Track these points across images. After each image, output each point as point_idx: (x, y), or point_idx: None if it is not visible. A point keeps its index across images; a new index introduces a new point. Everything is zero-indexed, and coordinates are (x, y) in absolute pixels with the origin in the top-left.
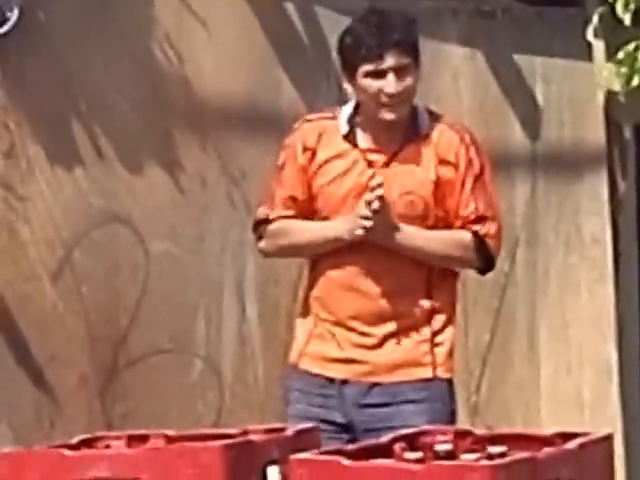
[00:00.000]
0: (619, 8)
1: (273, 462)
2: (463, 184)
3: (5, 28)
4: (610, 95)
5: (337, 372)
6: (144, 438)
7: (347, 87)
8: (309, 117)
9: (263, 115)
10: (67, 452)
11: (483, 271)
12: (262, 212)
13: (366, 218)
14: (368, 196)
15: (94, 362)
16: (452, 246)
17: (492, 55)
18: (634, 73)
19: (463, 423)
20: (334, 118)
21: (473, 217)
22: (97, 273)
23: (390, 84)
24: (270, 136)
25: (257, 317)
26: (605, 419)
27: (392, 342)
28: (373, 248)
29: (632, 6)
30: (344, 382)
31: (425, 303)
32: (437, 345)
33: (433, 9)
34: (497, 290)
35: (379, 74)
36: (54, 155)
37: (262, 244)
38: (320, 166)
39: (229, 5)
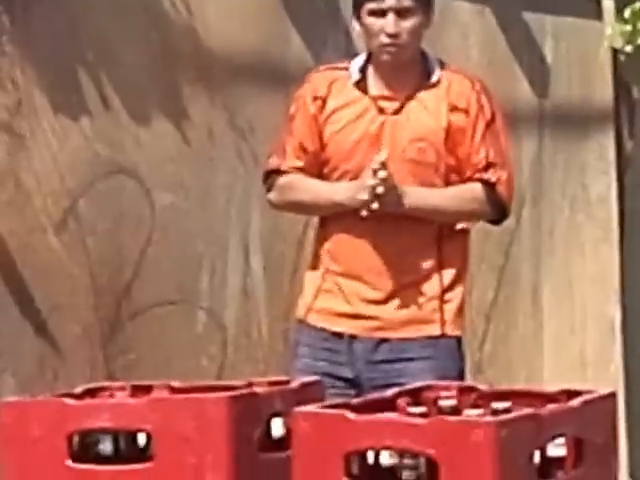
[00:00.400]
0: None
1: (277, 414)
2: (474, 131)
3: None
4: (619, 54)
5: (345, 327)
6: (148, 389)
7: (355, 26)
8: (320, 68)
9: (271, 68)
10: (70, 401)
11: (497, 221)
12: (273, 162)
13: (372, 200)
14: (372, 180)
15: (98, 313)
16: (464, 201)
17: (501, 12)
18: (637, 32)
19: (466, 380)
20: (346, 68)
21: (484, 164)
22: (102, 224)
23: (389, 24)
24: (278, 89)
25: (262, 271)
26: (608, 377)
27: (400, 298)
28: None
29: None
30: (353, 337)
31: (431, 261)
32: (446, 302)
33: None
34: (502, 248)
35: (381, 13)
36: (61, 105)
37: (271, 195)
38: (330, 114)
39: None
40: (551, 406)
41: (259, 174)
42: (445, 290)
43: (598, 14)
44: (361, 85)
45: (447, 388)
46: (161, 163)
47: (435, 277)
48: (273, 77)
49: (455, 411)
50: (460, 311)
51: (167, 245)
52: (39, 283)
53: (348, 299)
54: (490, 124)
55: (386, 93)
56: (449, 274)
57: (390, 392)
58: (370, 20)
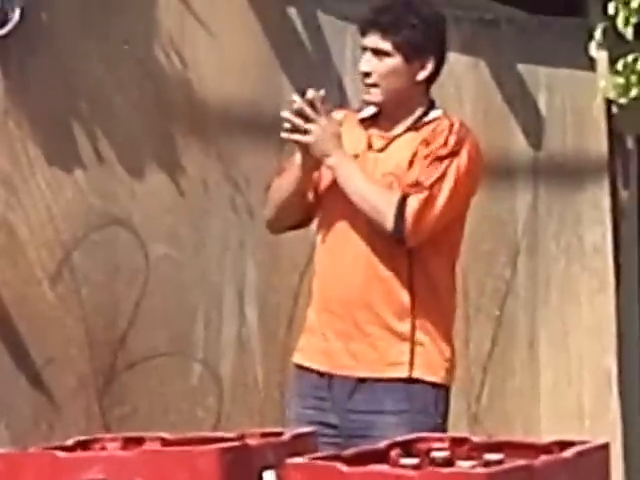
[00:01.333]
0: (620, 22)
1: (269, 466)
2: (425, 157)
3: (7, 29)
4: (613, 105)
5: (322, 364)
6: (140, 440)
7: None
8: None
9: (265, 120)
10: (61, 454)
11: (398, 238)
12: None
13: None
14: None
15: (93, 365)
16: (378, 194)
17: (495, 64)
18: (630, 85)
19: (463, 431)
20: (359, 110)
21: (411, 181)
22: (96, 276)
23: (362, 61)
24: (272, 141)
25: (257, 321)
26: (605, 429)
27: (369, 334)
28: (357, 231)
29: (633, 20)
30: (331, 378)
31: (401, 298)
32: (418, 344)
33: (438, 14)
34: (498, 298)
35: (363, 50)
36: (55, 156)
37: (265, 213)
38: None
39: (232, 9)
40: (544, 457)
41: (254, 225)
42: (417, 332)
43: (592, 66)
44: (365, 122)
45: (440, 439)
46: (155, 214)
47: (407, 316)
48: (267, 129)
49: (448, 463)
50: (438, 355)
51: (162, 296)
52: (34, 335)
53: (322, 333)
54: (443, 158)
55: (379, 132)
56: (423, 314)
57: (382, 443)
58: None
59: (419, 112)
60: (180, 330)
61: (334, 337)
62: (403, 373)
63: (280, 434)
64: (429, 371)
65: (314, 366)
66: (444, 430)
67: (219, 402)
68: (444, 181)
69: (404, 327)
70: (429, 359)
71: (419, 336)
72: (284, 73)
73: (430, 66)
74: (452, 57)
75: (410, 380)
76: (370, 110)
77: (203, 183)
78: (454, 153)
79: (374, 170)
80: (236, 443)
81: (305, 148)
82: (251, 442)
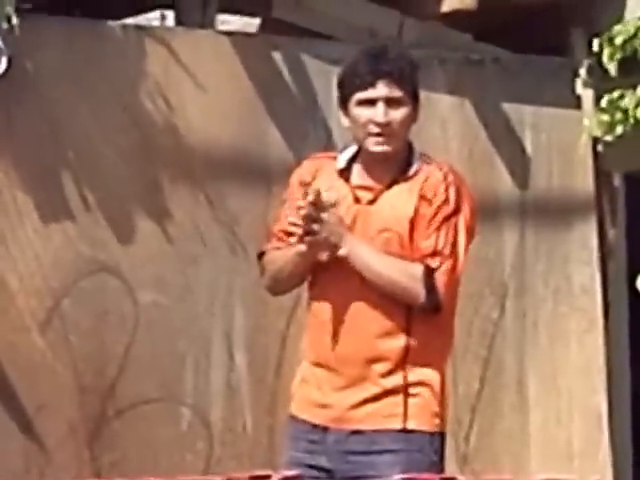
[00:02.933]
0: (605, 58)
1: None
2: (432, 219)
3: None
4: (599, 143)
5: (316, 417)
6: None
7: (344, 121)
8: (315, 155)
9: (252, 163)
10: None
11: (430, 310)
12: (261, 246)
13: (305, 229)
14: (299, 202)
15: (83, 411)
16: (398, 271)
17: (480, 104)
18: (615, 122)
19: (452, 471)
20: (334, 157)
21: (430, 250)
22: (85, 323)
23: (379, 113)
24: (258, 184)
25: (246, 366)
26: (595, 469)
27: (365, 388)
28: (350, 284)
29: (618, 56)
30: (326, 428)
31: (396, 352)
32: (411, 396)
33: (421, 58)
34: (486, 339)
35: (370, 103)
36: (43, 204)
37: (263, 280)
38: None
39: (217, 55)
40: None
41: (242, 268)
42: (410, 384)
43: (577, 104)
44: (344, 174)
45: None
46: (143, 261)
47: (399, 369)
48: (253, 172)
49: None
50: (432, 406)
51: (151, 342)
52: (24, 382)
53: (319, 387)
54: (449, 217)
55: (365, 183)
56: (416, 366)
57: None
58: (358, 111)
59: (402, 158)
60: (169, 376)
61: (329, 390)
62: (397, 425)
63: (269, 477)
64: (423, 421)
65: (309, 418)
66: (441, 468)
67: (209, 447)
68: (458, 242)
69: (397, 380)
70: (421, 409)
71: (413, 388)
72: (269, 116)
73: (418, 111)
74: (437, 97)
75: (407, 430)
76: (345, 157)
77: (191, 228)
78: (458, 209)
79: (367, 225)
80: None
81: (312, 244)
82: None
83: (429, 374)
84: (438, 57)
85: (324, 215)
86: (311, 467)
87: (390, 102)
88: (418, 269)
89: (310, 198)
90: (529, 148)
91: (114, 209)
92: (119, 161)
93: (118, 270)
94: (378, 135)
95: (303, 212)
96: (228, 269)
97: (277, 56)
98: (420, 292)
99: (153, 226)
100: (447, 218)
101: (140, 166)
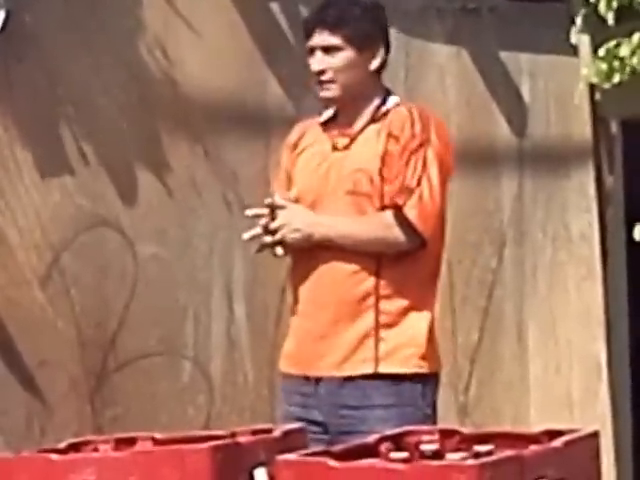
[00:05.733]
0: (602, 7)
1: (260, 464)
2: (400, 157)
3: None
4: (597, 91)
5: (299, 369)
6: (132, 441)
7: None
8: (305, 119)
9: (251, 115)
10: (54, 457)
11: (416, 247)
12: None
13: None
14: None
15: (84, 366)
16: (373, 227)
17: (478, 52)
18: (613, 70)
19: (452, 423)
20: (319, 115)
21: (397, 187)
22: (86, 277)
23: (314, 61)
24: (258, 136)
25: (245, 319)
26: (595, 417)
27: (339, 333)
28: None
29: (615, 4)
30: (318, 380)
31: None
32: (382, 340)
33: (418, 8)
34: (485, 289)
35: (311, 51)
36: (42, 159)
37: None
38: (298, 155)
39: (215, 6)
40: (533, 447)
41: (241, 222)
42: (382, 326)
43: (574, 51)
44: (327, 125)
45: (429, 432)
46: (143, 214)
47: (370, 312)
48: (253, 124)
49: (437, 455)
50: (408, 347)
51: (151, 296)
52: (25, 337)
53: (297, 336)
54: (416, 151)
55: (340, 131)
56: (389, 308)
57: (372, 438)
58: (309, 59)
59: (376, 102)
60: (170, 329)
61: (306, 339)
62: (369, 369)
63: (270, 431)
64: (396, 363)
65: (295, 371)
66: (434, 421)
67: (210, 400)
68: (428, 173)
69: (368, 323)
70: (395, 352)
71: (384, 330)
72: (268, 67)
73: (380, 54)
74: (434, 47)
75: (385, 375)
76: (329, 112)
77: (190, 181)
78: (425, 141)
79: (342, 168)
80: (227, 441)
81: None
82: (242, 440)
83: (404, 314)
84: (435, 7)
85: (281, 212)
86: (303, 420)
87: (328, 50)
88: (388, 215)
89: (265, 211)
90: (526, 96)
91: (113, 163)
92: (118, 114)
93: (118, 224)
94: (318, 83)
95: (262, 222)
96: (227, 222)
97: (275, 7)
98: (398, 236)
99: (152, 179)
100: (413, 152)
101: (139, 119)
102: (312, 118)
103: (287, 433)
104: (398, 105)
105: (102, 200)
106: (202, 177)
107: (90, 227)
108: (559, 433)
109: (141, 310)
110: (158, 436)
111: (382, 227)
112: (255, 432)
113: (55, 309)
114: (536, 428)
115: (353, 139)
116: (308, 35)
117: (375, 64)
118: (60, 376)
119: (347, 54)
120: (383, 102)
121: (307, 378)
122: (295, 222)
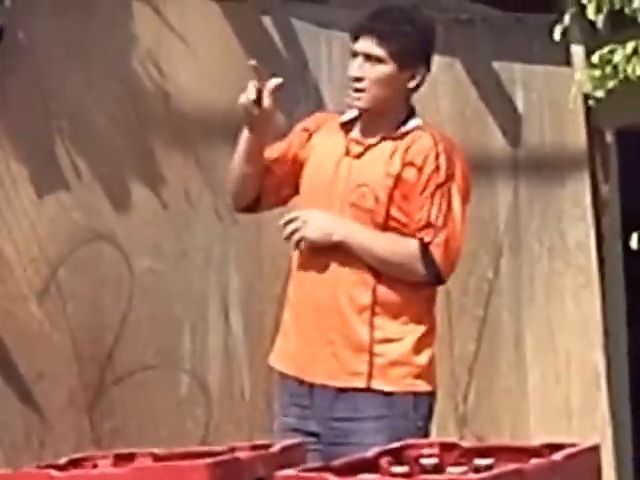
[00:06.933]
0: (590, 11)
1: (259, 479)
2: (424, 189)
3: None
4: (590, 99)
5: (292, 369)
6: (131, 457)
7: None
8: (329, 111)
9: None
10: (55, 473)
11: (432, 283)
12: None
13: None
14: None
15: (81, 379)
16: (395, 250)
17: (471, 63)
18: (606, 77)
19: (451, 433)
20: (341, 113)
21: (423, 223)
22: (82, 291)
23: (353, 67)
24: None
25: (242, 330)
26: (594, 426)
27: (332, 341)
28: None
29: (605, 9)
30: (311, 386)
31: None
32: (377, 355)
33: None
34: (482, 298)
35: (354, 55)
36: (37, 174)
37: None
38: (312, 147)
39: (207, 20)
40: (534, 461)
41: (237, 233)
42: (377, 341)
43: (568, 60)
44: (346, 126)
45: (429, 445)
46: (138, 227)
47: (366, 325)
48: None
49: (437, 469)
50: (402, 365)
51: (147, 309)
52: (22, 351)
53: (292, 336)
54: (441, 185)
55: (358, 137)
56: (385, 323)
57: (371, 452)
58: (350, 62)
59: (397, 120)
60: (167, 342)
61: (301, 341)
62: (361, 384)
63: (269, 446)
64: (389, 381)
65: (287, 370)
66: (425, 434)
67: (207, 413)
68: (453, 209)
69: (363, 336)
70: (390, 369)
71: (379, 346)
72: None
73: (420, 76)
74: None
75: (379, 391)
76: (352, 113)
77: (185, 194)
78: (450, 177)
79: (349, 178)
80: (226, 457)
81: (250, 126)
82: (240, 455)
83: (400, 331)
84: None
85: (298, 214)
86: (302, 432)
87: (370, 58)
88: (414, 246)
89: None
90: (521, 106)
91: (108, 177)
92: (111, 128)
93: (113, 237)
94: (354, 90)
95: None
96: (222, 234)
97: (267, 20)
98: (419, 269)
99: (147, 193)
100: (439, 186)
101: (133, 133)
102: (333, 112)
103: (286, 448)
104: (419, 128)
105: (97, 214)
106: (196, 189)
107: (86, 241)
108: (560, 446)
109: (138, 323)
110: (157, 452)
111: (406, 254)
112: (254, 447)
113: (52, 323)
114: (536, 441)
115: (366, 149)
116: (355, 38)
117: (413, 84)
118: (58, 390)
119: (387, 68)
120: (404, 121)
121: (301, 382)
122: (316, 220)
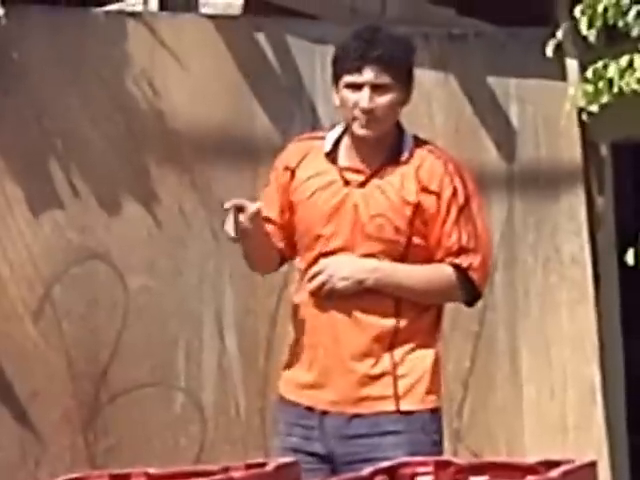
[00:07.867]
0: (583, 25)
1: None
2: (447, 215)
3: None
4: (584, 113)
5: (308, 399)
6: (126, 477)
7: (335, 99)
8: (300, 137)
9: (238, 146)
10: None
11: (469, 303)
12: None
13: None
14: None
15: (76, 398)
16: (433, 281)
17: (465, 78)
18: (600, 91)
19: (446, 449)
20: (323, 138)
21: (455, 248)
22: (77, 309)
23: (364, 99)
24: (246, 166)
25: (237, 348)
26: (590, 442)
27: (354, 370)
28: None
29: (598, 23)
30: (324, 413)
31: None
32: (400, 377)
33: (405, 34)
34: (476, 313)
35: (357, 87)
36: (31, 193)
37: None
38: (300, 185)
39: (201, 38)
40: (530, 478)
41: (231, 251)
42: (399, 364)
43: (563, 75)
44: (332, 156)
45: (424, 463)
46: (132, 246)
47: (388, 350)
48: (241, 154)
49: None
50: (423, 383)
51: (142, 327)
52: (17, 370)
53: (309, 367)
54: (463, 207)
55: (354, 165)
56: (405, 347)
57: (366, 471)
58: (346, 94)
59: (393, 140)
60: (161, 360)
61: (319, 371)
62: (391, 407)
63: (263, 465)
64: (416, 400)
65: (300, 400)
66: (440, 449)
67: (202, 431)
68: (477, 229)
69: (386, 361)
70: (412, 387)
71: (401, 368)
72: (255, 98)
73: (412, 91)
74: (422, 73)
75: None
76: (333, 137)
77: (179, 212)
78: (467, 197)
79: (359, 210)
80: (220, 476)
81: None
82: (235, 475)
83: (418, 353)
84: (421, 33)
85: (324, 268)
86: (302, 452)
87: (376, 88)
88: (450, 272)
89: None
90: (515, 121)
91: (102, 195)
92: (106, 147)
93: (108, 256)
94: (364, 120)
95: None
96: (216, 252)
97: (261, 37)
98: (458, 294)
99: (141, 211)
100: (461, 210)
101: (127, 151)
102: (307, 138)
103: (280, 467)
104: (420, 147)
105: (92, 233)
106: (191, 208)
107: (81, 260)
108: (556, 463)
109: (132, 341)
110: (152, 471)
111: (444, 283)
112: (248, 466)
113: (47, 342)
114: (532, 456)
115: (369, 177)
116: (356, 70)
117: (408, 102)
118: (53, 408)
119: (395, 94)
120: (399, 140)
121: (311, 409)
122: (342, 270)
